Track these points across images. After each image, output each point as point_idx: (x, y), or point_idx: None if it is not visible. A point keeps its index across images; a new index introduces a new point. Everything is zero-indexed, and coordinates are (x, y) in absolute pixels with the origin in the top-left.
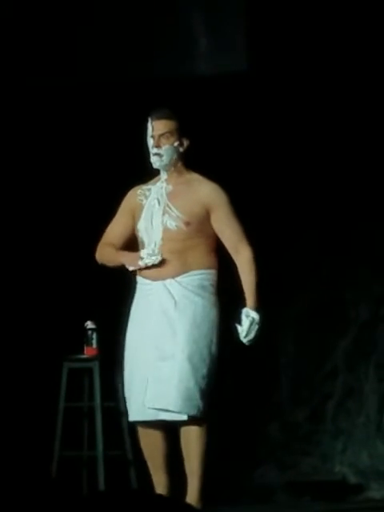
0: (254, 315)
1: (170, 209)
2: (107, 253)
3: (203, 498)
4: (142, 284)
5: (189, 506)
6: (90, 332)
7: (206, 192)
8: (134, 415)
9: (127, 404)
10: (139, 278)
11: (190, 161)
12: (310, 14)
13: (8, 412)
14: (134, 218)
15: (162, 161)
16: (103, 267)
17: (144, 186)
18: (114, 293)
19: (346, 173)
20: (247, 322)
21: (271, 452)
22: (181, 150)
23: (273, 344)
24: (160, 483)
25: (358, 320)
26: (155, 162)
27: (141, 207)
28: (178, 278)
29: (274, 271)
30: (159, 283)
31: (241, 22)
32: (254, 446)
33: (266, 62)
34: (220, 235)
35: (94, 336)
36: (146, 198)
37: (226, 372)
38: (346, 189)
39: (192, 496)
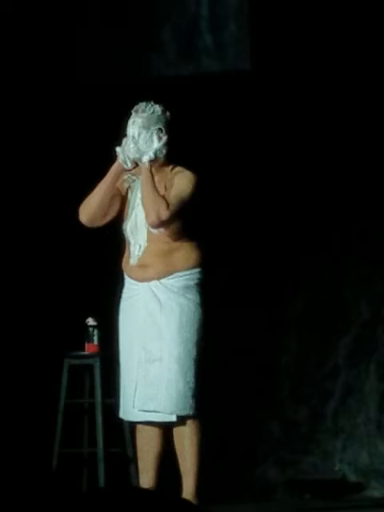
0: None
1: None
2: (92, 193)
3: (199, 495)
4: (130, 284)
5: (188, 502)
6: (91, 329)
7: (175, 179)
8: (124, 415)
9: (120, 401)
10: (126, 277)
11: (193, 157)
12: (314, 14)
13: (9, 409)
14: (120, 192)
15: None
16: (104, 264)
17: (129, 173)
18: (116, 289)
19: (347, 171)
20: None
21: (272, 450)
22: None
23: (274, 342)
24: (146, 483)
25: (359, 319)
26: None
27: (126, 194)
28: (163, 280)
29: (274, 269)
30: (145, 285)
31: (245, 20)
32: (254, 443)
33: (271, 61)
34: None
35: (95, 333)
36: (132, 189)
37: (227, 370)
38: (346, 187)
39: (187, 494)
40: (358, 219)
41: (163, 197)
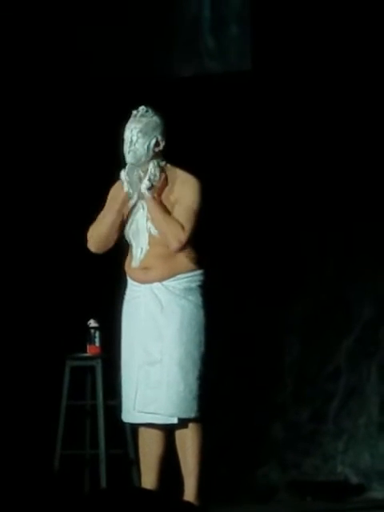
0: None
1: None
2: (99, 218)
3: (200, 497)
4: (132, 285)
5: (189, 503)
6: (92, 330)
7: (178, 188)
8: (125, 417)
9: (122, 403)
10: (129, 279)
11: (194, 158)
12: (315, 16)
13: (10, 410)
14: (126, 207)
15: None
16: (105, 265)
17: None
18: (117, 291)
19: (348, 171)
20: None
21: (273, 452)
22: (156, 150)
23: (276, 344)
24: (148, 484)
25: (361, 320)
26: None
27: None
28: (165, 282)
29: (277, 271)
30: (147, 287)
31: (247, 21)
32: (256, 445)
33: (271, 62)
34: None
35: (97, 334)
36: (131, 195)
37: (229, 371)
38: (347, 187)
39: (189, 496)
40: (361, 220)
41: (176, 220)
